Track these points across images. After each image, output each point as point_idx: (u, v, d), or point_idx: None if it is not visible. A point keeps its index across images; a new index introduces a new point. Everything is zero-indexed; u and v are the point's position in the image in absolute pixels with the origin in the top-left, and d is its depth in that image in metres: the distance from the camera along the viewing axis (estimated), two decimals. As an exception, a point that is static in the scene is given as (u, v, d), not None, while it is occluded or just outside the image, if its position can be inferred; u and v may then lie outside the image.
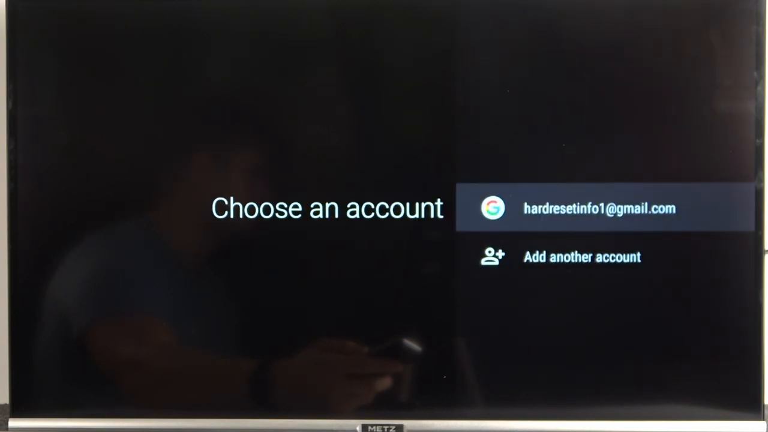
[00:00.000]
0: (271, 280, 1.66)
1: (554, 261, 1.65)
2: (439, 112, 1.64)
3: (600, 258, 1.65)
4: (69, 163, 1.66)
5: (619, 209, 1.64)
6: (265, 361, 1.66)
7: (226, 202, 1.66)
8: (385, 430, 1.65)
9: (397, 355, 1.65)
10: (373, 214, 1.65)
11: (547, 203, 1.64)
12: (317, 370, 1.66)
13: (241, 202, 1.65)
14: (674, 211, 1.63)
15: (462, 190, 1.64)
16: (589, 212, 1.64)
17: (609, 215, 1.64)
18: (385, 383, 1.66)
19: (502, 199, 1.64)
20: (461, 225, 1.65)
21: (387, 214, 1.65)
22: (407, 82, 1.65)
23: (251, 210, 1.65)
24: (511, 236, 1.65)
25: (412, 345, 1.65)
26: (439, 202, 1.64)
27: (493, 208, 1.65)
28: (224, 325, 1.68)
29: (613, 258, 1.64)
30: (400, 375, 1.66)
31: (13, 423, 1.68)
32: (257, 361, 1.66)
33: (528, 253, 1.65)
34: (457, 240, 1.65)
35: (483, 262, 1.65)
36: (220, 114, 1.67)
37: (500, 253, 1.65)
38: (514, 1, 1.63)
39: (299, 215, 1.65)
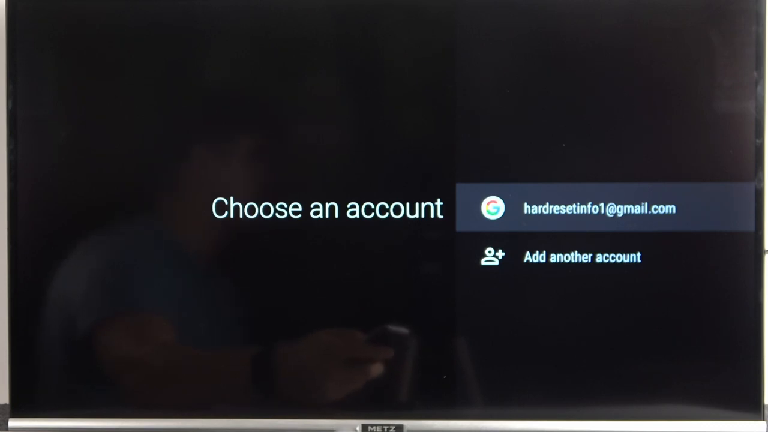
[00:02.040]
0: (271, 280, 1.66)
1: (554, 261, 1.65)
2: (439, 112, 1.64)
3: (600, 258, 1.65)
4: (69, 163, 1.66)
5: (619, 209, 1.64)
6: (264, 361, 1.66)
7: (226, 202, 1.66)
8: (385, 430, 1.65)
9: (386, 342, 1.65)
10: (373, 214, 1.65)
11: (547, 203, 1.64)
12: (314, 355, 1.65)
13: (241, 202, 1.65)
14: (674, 211, 1.63)
15: (462, 190, 1.64)
16: (589, 212, 1.64)
17: (609, 215, 1.64)
18: (378, 369, 1.65)
19: (502, 199, 1.64)
20: (461, 225, 1.65)
21: (387, 214, 1.65)
22: (407, 82, 1.65)
23: (251, 210, 1.65)
24: (511, 236, 1.65)
25: (398, 329, 1.65)
26: (439, 202, 1.64)
27: (493, 208, 1.64)
28: (223, 324, 1.68)
29: (613, 258, 1.64)
30: (393, 364, 1.65)
31: (13, 423, 1.68)
32: (257, 360, 1.66)
33: (528, 253, 1.65)
34: (457, 240, 1.65)
35: (483, 262, 1.65)
36: (219, 114, 1.67)
37: (500, 253, 1.65)
38: (514, 1, 1.63)
39: (299, 215, 1.65)
